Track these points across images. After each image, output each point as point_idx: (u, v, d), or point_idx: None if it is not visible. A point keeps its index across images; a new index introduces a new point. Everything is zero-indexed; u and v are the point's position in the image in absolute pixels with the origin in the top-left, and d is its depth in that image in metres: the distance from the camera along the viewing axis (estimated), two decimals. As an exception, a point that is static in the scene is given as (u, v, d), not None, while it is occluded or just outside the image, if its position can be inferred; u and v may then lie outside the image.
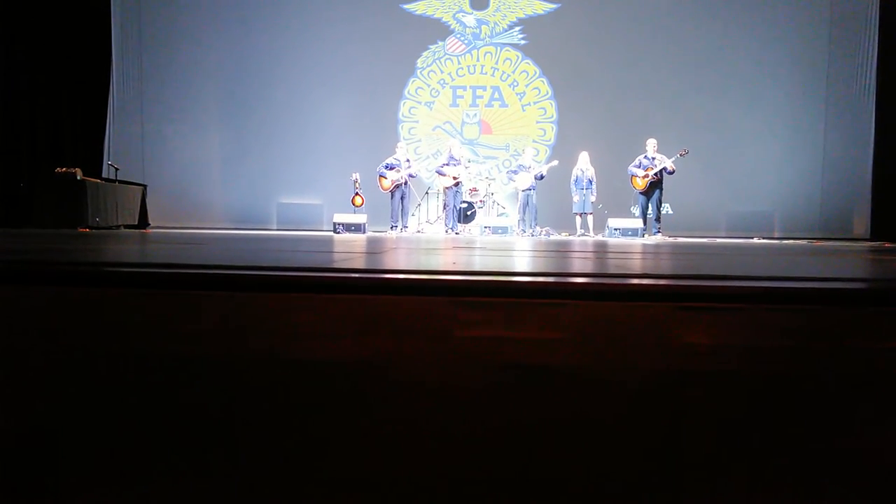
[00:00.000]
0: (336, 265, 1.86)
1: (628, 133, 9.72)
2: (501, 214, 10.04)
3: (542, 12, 10.85)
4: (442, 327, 1.19)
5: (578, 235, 9.09)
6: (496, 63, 10.96)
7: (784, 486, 1.14)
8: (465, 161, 9.43)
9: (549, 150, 10.79)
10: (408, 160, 9.35)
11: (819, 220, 10.32)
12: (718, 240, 8.64)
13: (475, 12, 10.95)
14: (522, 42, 10.90)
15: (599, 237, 8.76)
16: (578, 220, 9.23)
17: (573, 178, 9.20)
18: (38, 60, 9.82)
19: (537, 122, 10.95)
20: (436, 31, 10.96)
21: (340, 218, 9.16)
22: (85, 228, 7.33)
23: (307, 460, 1.18)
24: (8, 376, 1.23)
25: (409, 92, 10.99)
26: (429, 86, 11.00)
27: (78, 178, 7.71)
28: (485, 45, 10.97)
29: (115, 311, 1.25)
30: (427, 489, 1.16)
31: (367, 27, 10.77)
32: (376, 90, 10.85)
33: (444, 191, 9.44)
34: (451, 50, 10.98)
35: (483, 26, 10.95)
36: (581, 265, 2.21)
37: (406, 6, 10.90)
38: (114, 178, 8.99)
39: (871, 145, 10.15)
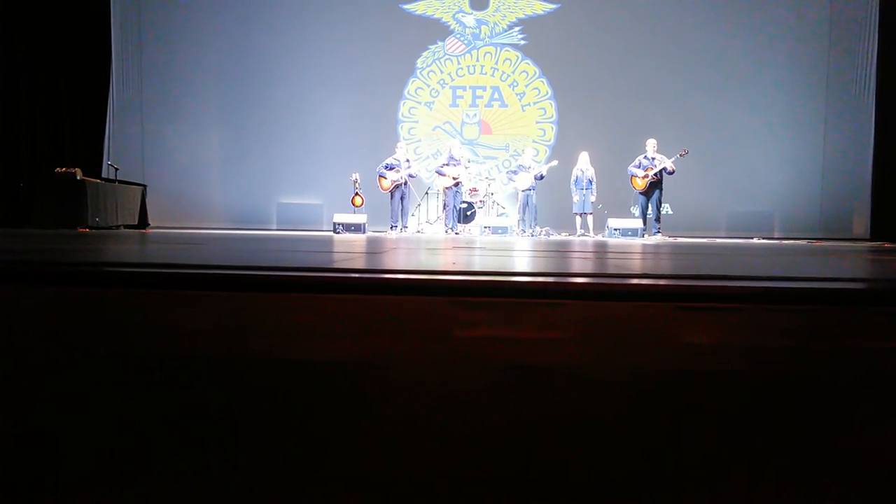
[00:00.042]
0: (336, 265, 1.86)
1: (628, 133, 9.71)
2: (501, 214, 10.03)
3: (541, 12, 10.85)
4: (442, 327, 1.19)
5: (578, 235, 9.09)
6: (496, 63, 10.96)
7: (785, 486, 1.14)
8: (465, 161, 9.42)
9: (548, 150, 10.79)
10: (407, 160, 9.35)
11: (819, 220, 10.32)
12: (718, 240, 8.64)
13: (475, 12, 10.94)
14: (522, 42, 10.90)
15: (599, 237, 8.76)
16: (578, 220, 9.23)
17: (573, 178, 9.20)
18: (38, 60, 9.82)
19: (537, 123, 10.95)
20: (436, 31, 10.96)
21: (340, 218, 9.16)
22: (85, 228, 7.33)
23: (307, 460, 1.18)
24: (8, 376, 1.23)
25: (408, 92, 10.99)
26: (429, 86, 11.00)
27: (78, 178, 7.71)
28: (485, 46, 10.97)
29: (115, 311, 1.25)
30: (427, 489, 1.16)
31: (367, 27, 10.77)
32: (376, 90, 10.85)
33: (443, 191, 9.44)
34: (450, 50, 10.98)
35: (483, 26, 10.95)
36: (581, 265, 2.21)
37: (406, 6, 10.90)
38: (114, 178, 8.99)
39: (871, 145, 10.14)
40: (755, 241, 8.70)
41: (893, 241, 8.36)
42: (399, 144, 9.56)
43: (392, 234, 8.34)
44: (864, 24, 10.23)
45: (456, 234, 8.96)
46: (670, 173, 8.83)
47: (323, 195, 10.79)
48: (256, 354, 1.21)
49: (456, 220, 9.24)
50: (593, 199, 9.16)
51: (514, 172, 9.38)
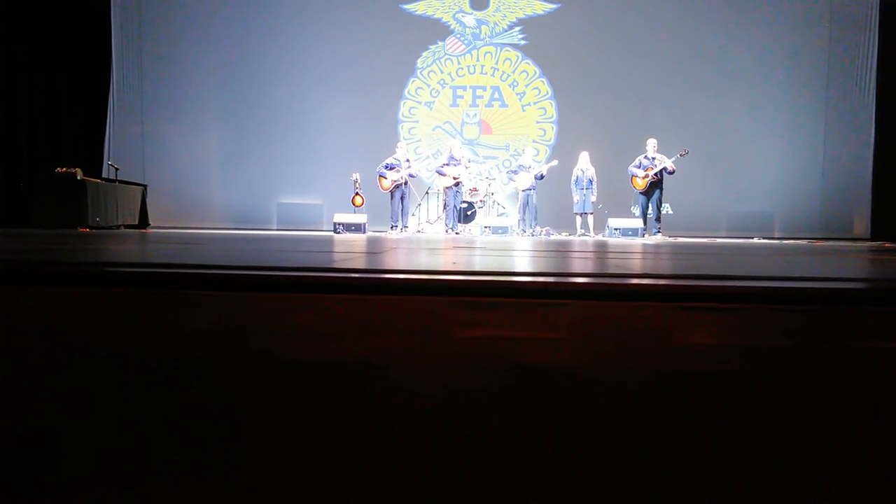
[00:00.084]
0: (336, 265, 1.86)
1: (628, 133, 9.71)
2: (501, 214, 10.03)
3: (542, 12, 10.85)
4: (442, 327, 1.19)
5: (578, 235, 9.09)
6: (496, 63, 10.96)
7: (785, 486, 1.14)
8: (466, 161, 9.42)
9: (549, 150, 10.79)
10: (408, 160, 9.35)
11: (819, 220, 10.32)
12: (718, 240, 8.64)
13: (475, 12, 10.94)
14: (522, 42, 10.90)
15: (599, 237, 8.76)
16: (579, 220, 9.23)
17: (573, 178, 9.20)
18: (38, 60, 9.82)
19: (537, 122, 10.94)
20: (436, 31, 10.95)
21: (340, 218, 9.16)
22: (85, 228, 7.33)
23: (307, 460, 1.18)
24: (8, 376, 1.23)
25: (409, 92, 10.99)
26: (429, 86, 11.00)
27: (78, 178, 7.71)
28: (485, 46, 10.97)
29: (115, 311, 1.25)
30: (427, 489, 1.16)
31: (367, 27, 10.77)
32: (376, 90, 10.85)
33: (444, 191, 9.44)
34: (451, 50, 10.98)
35: (483, 26, 10.95)
36: (581, 265, 2.21)
37: (406, 6, 10.90)
38: (114, 178, 8.99)
39: (871, 145, 10.14)
40: (755, 241, 8.70)
41: (894, 240, 8.36)
42: (399, 144, 9.56)
43: (392, 234, 8.34)
44: (864, 24, 10.22)
45: (456, 233, 8.96)
46: (671, 173, 8.84)
47: (323, 195, 10.79)
48: (256, 354, 1.21)
49: (456, 219, 9.23)
50: (594, 198, 9.16)
51: (515, 172, 9.38)
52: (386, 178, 9.19)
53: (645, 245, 5.05)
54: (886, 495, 1.13)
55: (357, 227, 8.95)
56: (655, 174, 8.80)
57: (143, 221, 9.48)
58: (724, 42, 10.42)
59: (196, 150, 10.88)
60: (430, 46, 10.95)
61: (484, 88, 10.98)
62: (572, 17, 10.72)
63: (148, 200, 9.67)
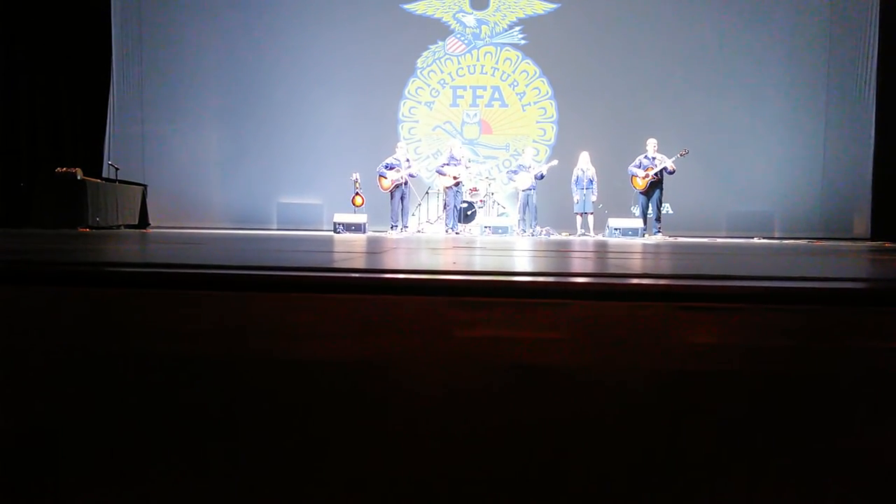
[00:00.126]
0: (336, 265, 1.86)
1: (628, 133, 9.71)
2: (502, 214, 10.03)
3: (542, 12, 10.84)
4: (442, 327, 1.19)
5: (579, 235, 9.09)
6: (496, 63, 10.96)
7: (785, 486, 1.14)
8: (466, 161, 9.42)
9: (549, 149, 10.78)
10: (408, 160, 9.34)
11: (819, 220, 10.32)
12: (718, 240, 8.63)
13: (475, 12, 10.94)
14: (522, 42, 10.90)
15: (600, 237, 8.76)
16: (579, 219, 9.23)
17: (574, 177, 9.19)
18: (38, 60, 9.82)
19: (537, 122, 10.94)
20: (436, 31, 10.95)
21: (340, 218, 9.16)
22: (85, 228, 7.33)
23: (307, 460, 1.18)
24: (8, 376, 1.23)
25: (409, 92, 10.99)
26: (429, 86, 11.00)
27: (78, 178, 7.71)
28: (485, 45, 10.97)
29: (115, 311, 1.25)
30: (427, 489, 1.16)
31: (367, 27, 10.76)
32: (376, 90, 10.84)
33: (444, 191, 9.43)
34: (451, 50, 10.98)
35: (483, 26, 10.94)
36: (581, 265, 2.21)
37: (406, 6, 10.90)
38: (114, 178, 8.99)
39: (872, 145, 10.14)
40: (755, 240, 8.70)
41: (894, 240, 8.36)
42: (399, 144, 9.56)
43: (392, 234, 8.34)
44: (864, 24, 10.22)
45: (456, 233, 8.96)
46: (671, 173, 8.84)
47: (323, 195, 10.79)
48: (256, 354, 1.21)
49: (456, 219, 9.23)
50: (594, 198, 9.16)
51: (515, 172, 9.38)
52: (386, 177, 9.19)
53: (645, 245, 5.05)
54: (886, 495, 1.13)
55: (357, 227, 8.95)
56: (655, 174, 8.80)
57: (143, 221, 9.48)
58: (724, 42, 10.42)
59: (196, 150, 10.88)
60: (431, 46, 10.95)
61: (484, 88, 10.98)
62: (572, 17, 10.72)
63: (148, 200, 9.67)
